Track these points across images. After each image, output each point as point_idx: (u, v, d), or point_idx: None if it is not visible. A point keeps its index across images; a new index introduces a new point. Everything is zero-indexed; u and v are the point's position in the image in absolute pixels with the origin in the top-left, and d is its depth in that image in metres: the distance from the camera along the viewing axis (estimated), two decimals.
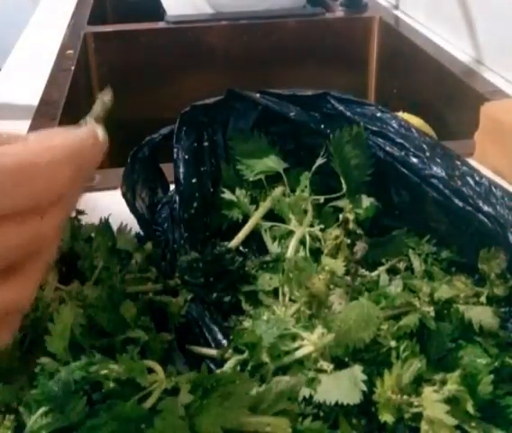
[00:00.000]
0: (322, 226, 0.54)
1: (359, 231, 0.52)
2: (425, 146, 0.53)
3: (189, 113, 0.57)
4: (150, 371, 0.39)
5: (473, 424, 0.38)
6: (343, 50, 1.37)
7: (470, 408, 0.38)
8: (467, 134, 0.85)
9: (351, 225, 0.51)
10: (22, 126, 0.88)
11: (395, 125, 0.54)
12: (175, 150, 0.55)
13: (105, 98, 0.34)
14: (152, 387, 0.38)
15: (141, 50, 1.31)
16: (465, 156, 0.62)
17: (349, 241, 0.51)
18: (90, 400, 0.38)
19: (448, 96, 1.08)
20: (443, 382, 0.39)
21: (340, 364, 0.41)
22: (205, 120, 0.58)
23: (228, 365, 0.42)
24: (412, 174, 0.52)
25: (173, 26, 1.32)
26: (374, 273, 0.50)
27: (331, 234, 0.52)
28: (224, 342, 0.45)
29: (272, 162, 0.57)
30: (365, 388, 0.38)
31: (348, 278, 0.48)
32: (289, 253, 0.51)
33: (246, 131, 0.58)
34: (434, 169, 0.51)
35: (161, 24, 1.34)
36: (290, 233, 0.53)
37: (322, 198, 0.55)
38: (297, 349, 0.41)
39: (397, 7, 1.42)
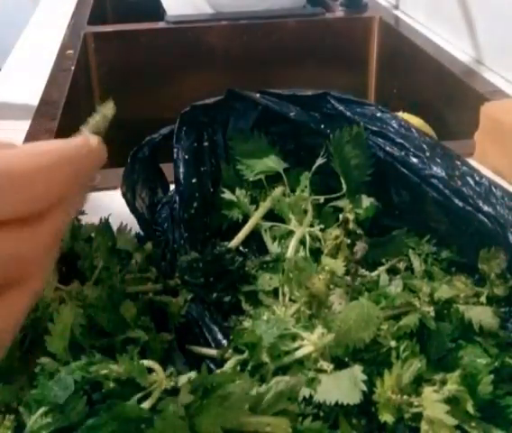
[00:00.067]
0: (322, 226, 0.54)
1: (359, 231, 0.52)
2: (425, 146, 0.53)
3: (189, 113, 0.57)
4: (150, 371, 0.39)
5: (473, 424, 0.38)
6: (343, 50, 1.37)
7: (470, 408, 0.38)
8: (467, 134, 0.85)
9: (351, 225, 0.51)
10: (22, 126, 0.88)
11: (395, 125, 0.54)
12: (175, 150, 0.55)
13: (105, 111, 0.33)
14: (152, 387, 0.38)
15: (141, 50, 1.32)
16: (465, 156, 0.62)
17: (349, 241, 0.51)
18: (90, 400, 0.38)
19: (448, 96, 1.08)
20: (443, 382, 0.39)
21: (340, 364, 0.41)
22: (205, 120, 0.58)
23: (228, 365, 0.42)
24: (412, 174, 0.52)
25: (173, 26, 1.32)
26: (374, 273, 0.50)
27: (331, 234, 0.52)
28: (224, 342, 0.45)
29: (272, 162, 0.57)
30: (365, 388, 0.38)
31: (348, 278, 0.48)
32: (289, 253, 0.51)
33: (246, 131, 0.58)
34: (434, 169, 0.51)
35: (161, 24, 1.34)
36: (290, 233, 0.53)
37: (322, 198, 0.55)
38: (297, 349, 0.41)
39: (397, 7, 1.42)
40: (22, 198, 0.25)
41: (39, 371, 0.40)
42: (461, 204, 0.49)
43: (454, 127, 1.05)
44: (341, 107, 0.56)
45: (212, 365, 0.44)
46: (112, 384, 0.38)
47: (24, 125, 0.88)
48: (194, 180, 0.55)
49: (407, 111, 0.88)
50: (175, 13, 1.37)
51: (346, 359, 0.41)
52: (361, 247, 0.51)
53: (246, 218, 0.55)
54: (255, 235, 0.55)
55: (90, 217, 0.55)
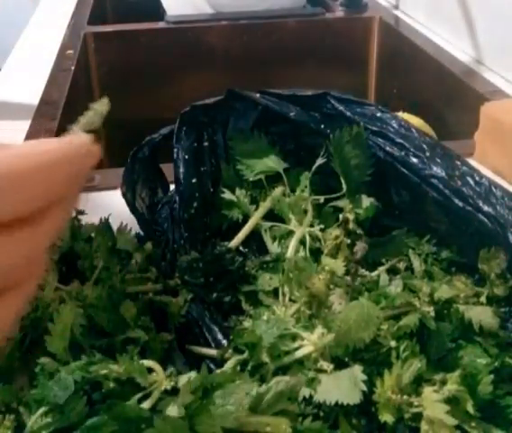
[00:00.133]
0: (322, 226, 0.54)
1: (359, 231, 0.52)
2: (425, 146, 0.53)
3: (189, 113, 0.57)
4: (150, 371, 0.39)
5: (473, 424, 0.38)
6: (343, 50, 1.37)
7: (470, 408, 0.38)
8: (467, 134, 0.85)
9: (351, 225, 0.51)
10: (21, 126, 0.88)
11: (395, 125, 0.54)
12: (175, 150, 0.55)
13: (99, 108, 0.32)
14: (152, 387, 0.38)
15: (141, 50, 1.32)
16: (465, 156, 0.62)
17: (349, 241, 0.51)
18: (90, 400, 0.38)
19: (448, 96, 1.08)
20: (443, 382, 0.39)
21: (340, 364, 0.41)
22: (205, 120, 0.58)
23: (228, 365, 0.42)
24: (412, 174, 0.52)
25: (173, 26, 1.32)
26: (374, 273, 0.50)
27: (331, 234, 0.52)
28: (224, 342, 0.45)
29: (272, 162, 0.57)
30: (365, 388, 0.38)
31: (348, 278, 0.48)
32: (289, 253, 0.51)
33: (246, 131, 0.58)
34: (434, 169, 0.51)
35: (161, 24, 1.34)
36: (290, 233, 0.53)
37: (322, 198, 0.55)
38: (297, 349, 0.41)
39: (397, 7, 1.42)
40: (23, 199, 0.25)
41: (39, 371, 0.40)
42: (461, 204, 0.49)
43: (454, 127, 1.05)
44: (341, 107, 0.56)
45: (212, 365, 0.44)
46: (112, 384, 0.38)
47: (24, 125, 0.88)
48: (194, 180, 0.55)
49: (407, 111, 0.88)
50: (175, 13, 1.37)
51: (346, 359, 0.41)
52: (361, 247, 0.51)
53: (246, 218, 0.55)
54: (255, 235, 0.55)
55: (90, 217, 0.55)
